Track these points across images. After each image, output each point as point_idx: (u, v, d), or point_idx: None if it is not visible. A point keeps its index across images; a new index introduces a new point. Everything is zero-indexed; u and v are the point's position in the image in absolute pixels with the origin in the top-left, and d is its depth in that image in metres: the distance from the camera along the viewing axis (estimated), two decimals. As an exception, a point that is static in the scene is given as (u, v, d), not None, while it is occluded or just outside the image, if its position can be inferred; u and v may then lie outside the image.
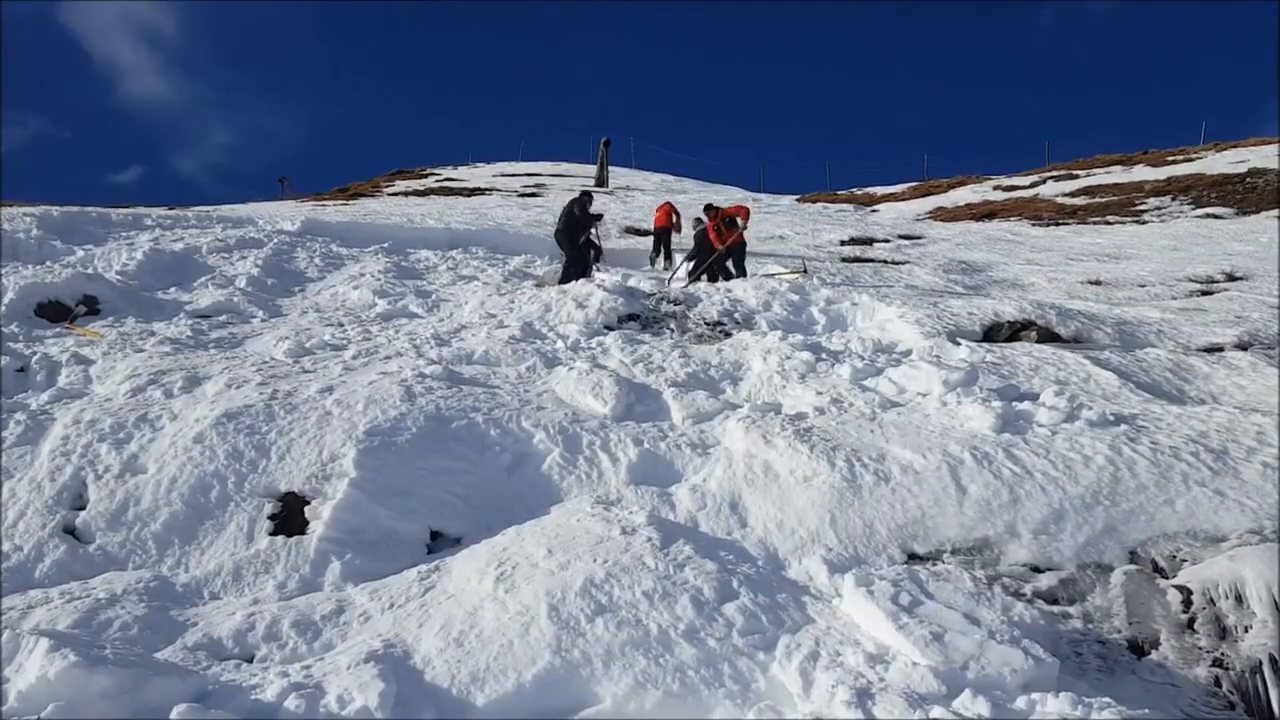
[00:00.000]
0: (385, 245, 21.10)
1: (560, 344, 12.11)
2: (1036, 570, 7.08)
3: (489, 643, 6.09)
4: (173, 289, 15.56)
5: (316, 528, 7.47)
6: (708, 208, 20.17)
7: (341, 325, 13.40)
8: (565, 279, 17.22)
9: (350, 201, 37.69)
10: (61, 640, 4.84)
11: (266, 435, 8.53)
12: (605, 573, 6.66)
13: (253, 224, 22.61)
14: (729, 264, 18.99)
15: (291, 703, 4.99)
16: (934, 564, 7.08)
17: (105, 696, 4.44)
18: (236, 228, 21.64)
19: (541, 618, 6.24)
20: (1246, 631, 6.34)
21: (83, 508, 7.72)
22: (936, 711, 4.90)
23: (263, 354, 11.45)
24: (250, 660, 6.01)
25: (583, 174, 49.84)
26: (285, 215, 25.82)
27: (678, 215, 23.33)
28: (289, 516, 7.65)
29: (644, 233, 25.75)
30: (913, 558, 7.23)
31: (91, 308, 13.68)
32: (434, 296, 16.21)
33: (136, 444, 8.43)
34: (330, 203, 37.15)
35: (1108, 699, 5.07)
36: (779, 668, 5.86)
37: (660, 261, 22.68)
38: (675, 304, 14.54)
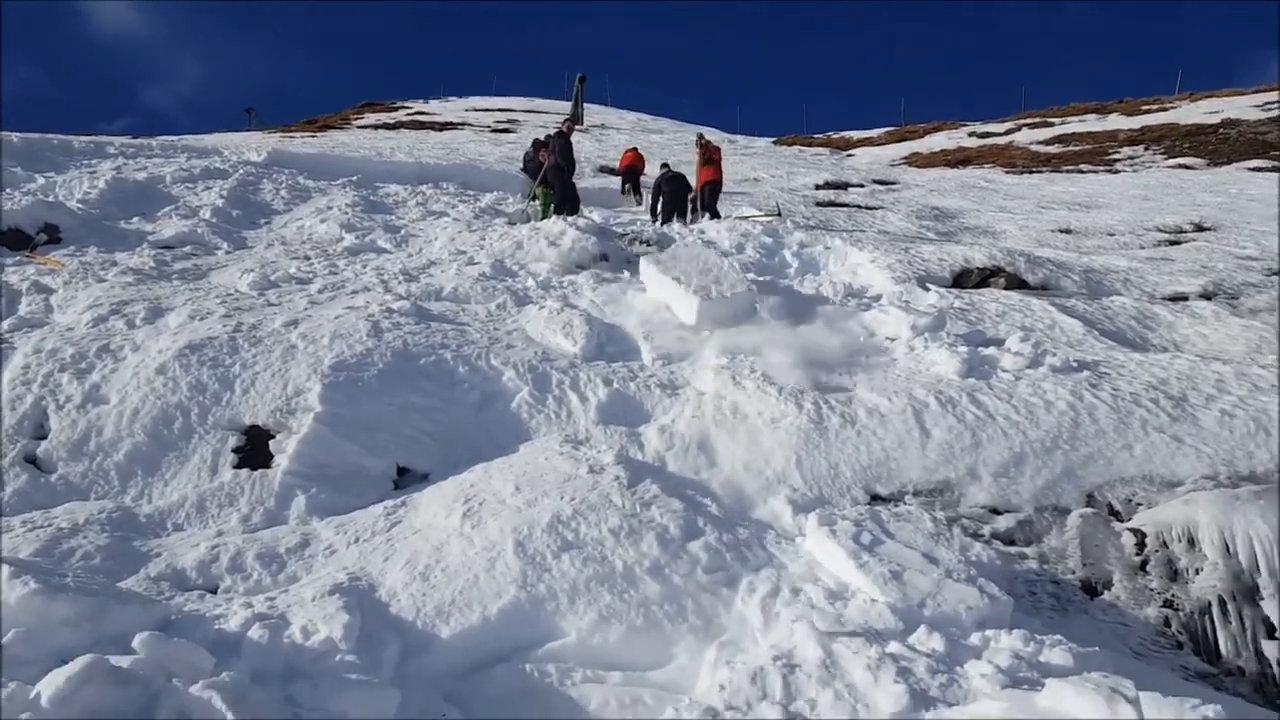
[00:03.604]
0: (353, 179, 20.76)
1: (531, 282, 12.03)
2: (995, 512, 7.20)
3: (455, 577, 6.13)
4: (135, 219, 15.25)
5: (281, 461, 7.43)
6: (700, 138, 21.03)
7: (308, 259, 13.23)
8: (559, 211, 17.06)
9: (318, 134, 37.00)
10: (22, 568, 4.80)
11: (230, 368, 8.44)
12: (572, 510, 6.71)
13: (218, 154, 22.16)
14: (699, 203, 19.08)
15: (255, 633, 4.99)
16: (896, 505, 7.18)
17: (67, 624, 4.42)
18: (201, 158, 21.19)
19: (508, 553, 6.29)
20: (1197, 574, 6.51)
21: (44, 437, 7.63)
22: (893, 646, 5.00)
23: (227, 286, 11.31)
24: (214, 591, 6.01)
25: (557, 110, 49.16)
26: (251, 146, 25.31)
27: (643, 161, 24.84)
28: (253, 450, 7.61)
29: (617, 172, 25.61)
30: (875, 499, 7.33)
31: (53, 236, 13.40)
32: (403, 232, 16.02)
33: (98, 374, 8.32)
34: (298, 135, 36.46)
35: (1059, 636, 5.20)
36: (741, 604, 5.96)
37: (632, 197, 23.64)
38: (648, 245, 14.46)
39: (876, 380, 8.67)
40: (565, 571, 6.17)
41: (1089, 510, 7.16)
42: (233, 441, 7.67)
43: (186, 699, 4.06)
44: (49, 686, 3.95)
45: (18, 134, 20.13)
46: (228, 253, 13.72)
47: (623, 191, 24.19)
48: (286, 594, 5.85)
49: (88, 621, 4.46)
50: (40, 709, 3.86)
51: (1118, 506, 7.15)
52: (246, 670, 4.45)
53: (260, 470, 7.38)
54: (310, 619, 5.36)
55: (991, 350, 9.21)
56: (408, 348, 8.95)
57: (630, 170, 24.22)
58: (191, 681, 4.16)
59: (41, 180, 16.81)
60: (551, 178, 17.87)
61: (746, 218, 17.84)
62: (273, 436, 7.70)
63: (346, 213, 16.90)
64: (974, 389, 8.32)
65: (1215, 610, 6.29)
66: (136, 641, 4.34)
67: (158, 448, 7.57)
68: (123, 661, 4.21)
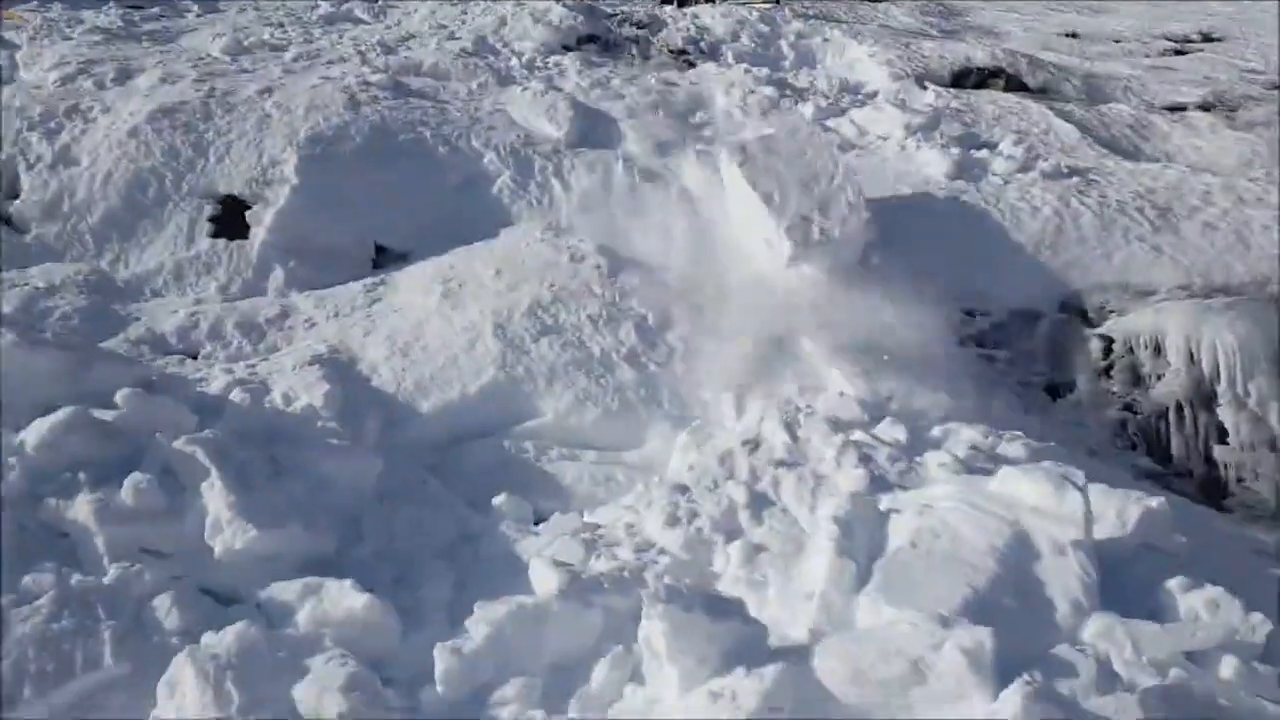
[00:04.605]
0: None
1: (515, 61, 11.56)
2: (971, 314, 7.29)
3: (434, 355, 6.22)
4: (99, -26, 14.39)
5: (259, 233, 7.35)
6: None
7: (282, 25, 12.64)
8: None
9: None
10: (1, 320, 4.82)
11: (204, 135, 8.19)
12: (552, 296, 6.75)
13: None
14: None
15: (236, 396, 5.10)
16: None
17: (49, 377, 4.47)
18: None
19: (487, 335, 6.37)
20: (1159, 380, 6.70)
21: (16, 196, 7.49)
22: (857, 434, 5.17)
23: (198, 50, 10.83)
24: (194, 357, 6.09)
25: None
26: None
27: None
28: (230, 220, 7.50)
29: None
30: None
31: (12, -11, 12.68)
32: (381, 1, 15.24)
33: (68, 135, 8.07)
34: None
35: (1018, 431, 5.38)
36: (714, 393, 6.10)
37: None
38: (638, 27, 13.87)
39: (866, 178, 8.55)
40: (544, 355, 6.28)
41: (1061, 316, 7.27)
42: (208, 210, 7.56)
43: (170, 453, 4.18)
44: (33, 434, 4.05)
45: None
46: (198, 15, 13.11)
47: None
48: (267, 362, 5.94)
49: (69, 376, 4.51)
50: (25, 455, 3.96)
51: (1091, 313, 7.25)
52: (229, 431, 4.56)
53: (237, 241, 7.32)
54: (291, 386, 5.46)
55: (984, 153, 9.07)
56: (386, 123, 8.69)
57: None
58: (175, 437, 4.27)
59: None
60: None
61: (743, 3, 17.03)
62: (249, 207, 7.58)
63: (322, -22, 15.97)
64: (962, 191, 8.25)
65: (1172, 415, 6.52)
66: (119, 397, 4.42)
67: (133, 213, 7.45)
68: (106, 415, 4.30)
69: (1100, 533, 4.00)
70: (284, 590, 3.96)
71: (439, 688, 3.67)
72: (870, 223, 7.07)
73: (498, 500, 5.13)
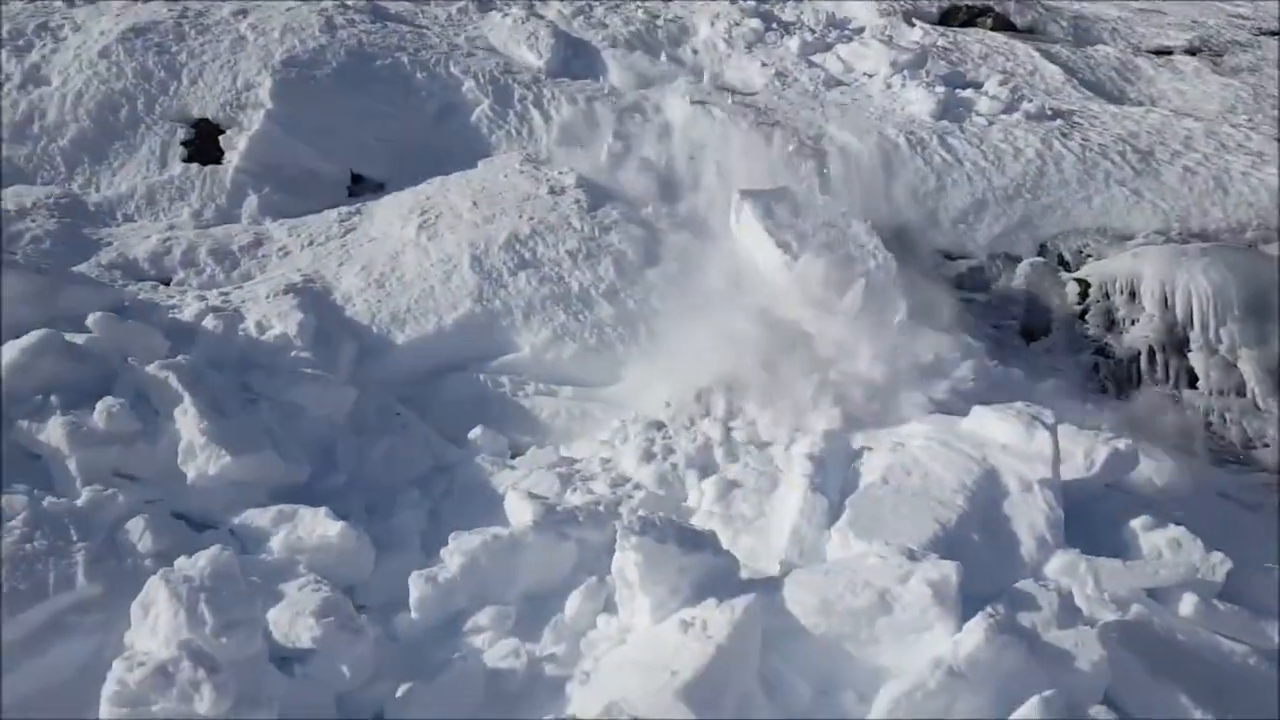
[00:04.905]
0: None
1: (495, -14, 11.32)
2: (950, 258, 7.32)
3: (410, 286, 6.16)
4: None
5: (232, 158, 7.21)
6: None
7: (255, -55, 12.29)
8: None
9: None
10: (-32, 244, 4.74)
11: (177, 56, 7.99)
12: (530, 229, 6.67)
13: None
14: None
15: (210, 323, 5.05)
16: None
17: (20, 300, 4.41)
18: None
19: (464, 267, 6.30)
20: (1133, 324, 6.77)
21: (-16, 116, 7.32)
22: (833, 374, 5.18)
23: (169, -33, 10.52)
24: (167, 283, 6.00)
25: None
26: None
27: None
28: (203, 144, 7.35)
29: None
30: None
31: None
32: (361, -77, 14.82)
33: (38, 54, 7.85)
34: None
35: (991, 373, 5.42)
36: (695, 336, 6.08)
37: None
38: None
39: (849, 117, 8.49)
40: (521, 289, 6.23)
41: (1039, 260, 7.31)
42: (181, 134, 7.40)
43: (143, 377, 4.14)
44: (5, 356, 4.00)
45: None
46: (169, -68, 12.68)
47: None
48: (240, 290, 5.87)
49: (41, 299, 4.46)
50: (-3, 377, 3.92)
51: (1068, 257, 7.29)
52: (202, 357, 4.54)
53: (211, 166, 7.18)
54: (265, 315, 5.41)
55: (969, 93, 9.00)
56: (363, 48, 8.50)
57: None
58: (147, 362, 4.23)
59: None
60: None
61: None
62: (222, 132, 7.43)
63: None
64: (945, 131, 8.20)
65: (1144, 359, 6.58)
66: (91, 321, 4.37)
67: (104, 135, 7.29)
68: (78, 339, 4.25)
69: (1068, 472, 4.07)
70: (258, 517, 3.97)
71: (413, 615, 3.71)
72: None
73: (473, 433, 5.14)
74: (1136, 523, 3.84)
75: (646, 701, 2.92)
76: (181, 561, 3.32)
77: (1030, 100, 8.84)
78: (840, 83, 9.51)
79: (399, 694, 3.26)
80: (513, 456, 5.13)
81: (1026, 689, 2.93)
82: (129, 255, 6.15)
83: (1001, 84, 9.17)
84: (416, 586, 3.73)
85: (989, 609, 3.10)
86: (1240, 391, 6.45)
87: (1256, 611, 3.56)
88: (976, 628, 3.01)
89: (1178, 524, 3.80)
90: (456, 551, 3.86)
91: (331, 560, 3.83)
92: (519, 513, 4.12)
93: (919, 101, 8.68)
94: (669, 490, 4.65)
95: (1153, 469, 4.76)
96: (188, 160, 7.22)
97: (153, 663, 2.86)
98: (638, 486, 4.65)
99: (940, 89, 8.89)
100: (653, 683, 3.01)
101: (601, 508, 4.29)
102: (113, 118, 7.41)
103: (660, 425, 5.14)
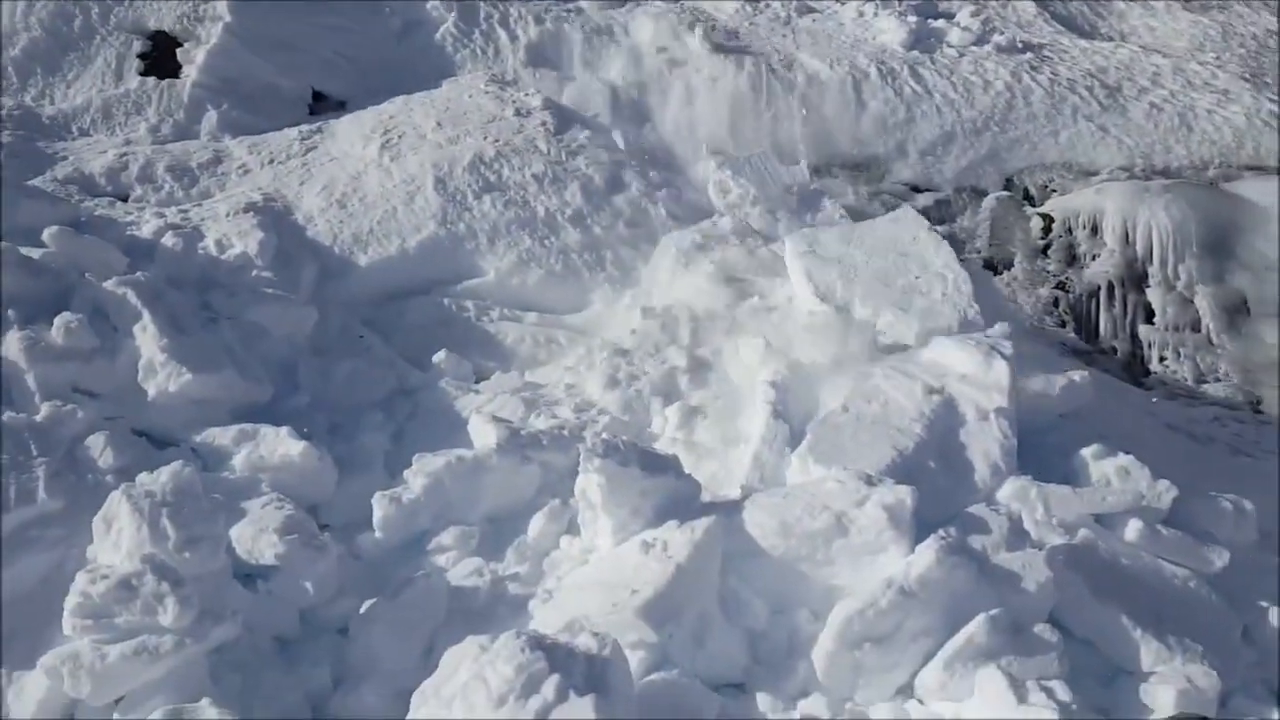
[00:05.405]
0: None
1: (463, -99, 10.98)
2: (916, 190, 7.34)
3: (373, 207, 6.08)
4: None
5: (190, 72, 7.02)
6: None
7: None
8: None
9: None
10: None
11: (131, -36, 7.72)
12: (495, 151, 6.57)
13: None
14: None
15: (169, 240, 4.96)
16: (824, 176, 7.23)
17: (-29, 215, 4.31)
18: None
19: (428, 189, 6.21)
20: (1094, 260, 6.85)
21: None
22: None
23: None
24: (124, 199, 5.87)
25: None
26: None
27: None
28: (160, 57, 7.14)
29: None
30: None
31: None
32: None
33: (-17, -40, 7.55)
34: None
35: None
36: (659, 258, 6.07)
37: None
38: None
39: (820, 45, 8.40)
40: (486, 212, 6.16)
41: (1005, 194, 7.36)
42: (137, 46, 7.18)
43: (101, 293, 4.08)
44: (-43, 270, 3.92)
45: None
46: None
47: None
48: (200, 208, 5.76)
49: (-7, 211, 4.35)
50: (-50, 290, 3.84)
51: (1033, 191, 7.34)
52: (161, 275, 4.46)
53: (168, 80, 6.98)
54: (225, 233, 5.32)
55: (940, 23, 8.93)
56: (325, -42, 8.26)
57: None
58: (105, 278, 4.16)
59: None
60: None
61: None
62: (180, 45, 7.22)
63: None
64: (916, 61, 8.15)
65: (1103, 294, 6.68)
66: (47, 235, 4.28)
67: (57, 46, 7.05)
68: (34, 253, 4.16)
69: (1023, 402, 4.13)
70: (219, 435, 3.96)
71: (377, 534, 3.74)
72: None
73: (437, 357, 5.11)
74: (1087, 451, 3.92)
75: (607, 619, 2.99)
76: (143, 477, 3.31)
77: (1002, 32, 8.79)
78: (812, 9, 9.38)
79: (363, 610, 3.30)
80: (477, 381, 5.11)
81: (975, 607, 3.03)
82: (85, 170, 6.00)
83: (974, 15, 9.10)
84: (380, 506, 3.75)
85: (941, 531, 3.18)
86: (1195, 327, 6.57)
87: (1200, 538, 3.68)
88: (928, 549, 3.10)
89: (1127, 453, 3.89)
90: (420, 472, 3.88)
91: (294, 479, 3.84)
92: (483, 435, 4.14)
93: (891, 31, 8.60)
94: (633, 416, 4.67)
95: (1106, 400, 4.86)
96: (144, 74, 7.02)
97: (116, 576, 2.87)
98: (602, 412, 4.67)
99: (912, 18, 8.81)
100: (613, 601, 3.08)
101: (566, 432, 4.32)
102: (66, 27, 7.16)
103: (625, 352, 5.14)
